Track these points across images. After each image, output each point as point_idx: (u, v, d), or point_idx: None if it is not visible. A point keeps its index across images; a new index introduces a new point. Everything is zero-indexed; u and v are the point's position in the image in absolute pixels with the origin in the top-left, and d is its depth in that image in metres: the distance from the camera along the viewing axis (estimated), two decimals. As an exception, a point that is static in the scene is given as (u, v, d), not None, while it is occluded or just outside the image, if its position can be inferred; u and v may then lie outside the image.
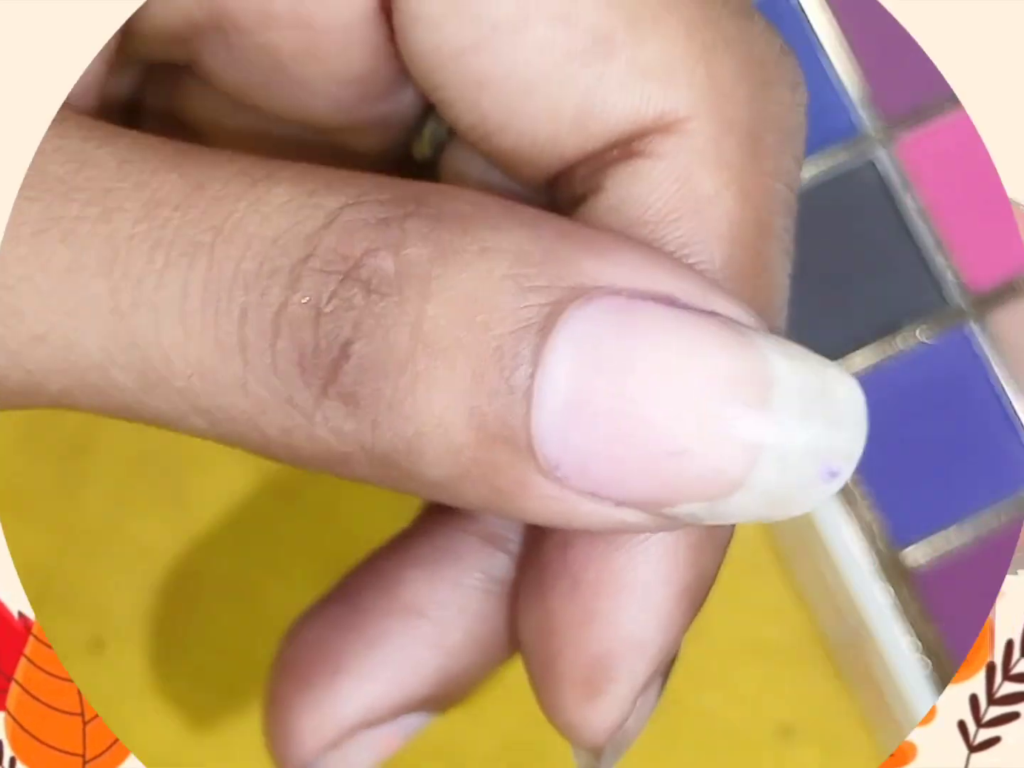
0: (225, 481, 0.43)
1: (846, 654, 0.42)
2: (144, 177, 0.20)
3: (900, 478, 0.41)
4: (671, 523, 0.21)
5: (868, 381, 0.41)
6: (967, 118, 0.43)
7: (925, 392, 0.42)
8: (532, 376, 0.20)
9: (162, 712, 0.42)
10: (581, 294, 0.20)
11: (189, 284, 0.20)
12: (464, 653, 0.25)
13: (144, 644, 0.43)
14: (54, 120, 0.21)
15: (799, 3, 0.43)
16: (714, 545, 0.23)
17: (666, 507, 0.20)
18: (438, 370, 0.20)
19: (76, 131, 0.20)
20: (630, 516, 0.20)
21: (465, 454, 0.20)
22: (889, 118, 0.43)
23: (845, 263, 0.42)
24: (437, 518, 0.25)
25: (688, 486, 0.20)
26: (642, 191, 0.22)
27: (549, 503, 0.20)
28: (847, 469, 0.20)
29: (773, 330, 0.22)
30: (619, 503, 0.20)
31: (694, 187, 0.22)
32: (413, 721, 0.25)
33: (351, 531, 0.43)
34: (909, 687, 0.40)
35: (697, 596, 0.23)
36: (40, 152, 0.20)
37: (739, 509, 0.20)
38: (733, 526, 0.23)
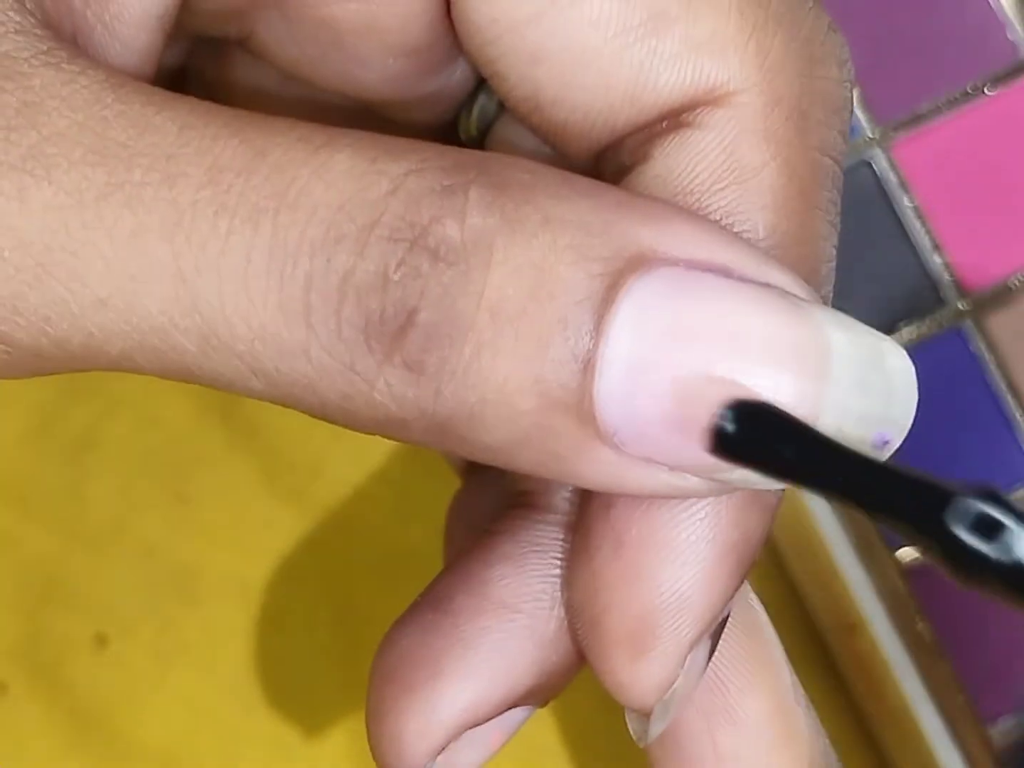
0: (228, 479, 0.43)
1: (842, 651, 0.42)
2: (206, 143, 0.20)
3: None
4: (722, 488, 0.21)
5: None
6: (963, 119, 0.43)
7: (921, 392, 0.42)
8: (595, 345, 0.20)
9: (165, 709, 0.42)
10: (641, 264, 0.20)
11: (253, 250, 0.20)
12: (562, 642, 0.25)
13: (147, 641, 0.43)
14: (113, 85, 0.21)
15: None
16: (760, 506, 0.23)
17: (720, 472, 0.21)
18: (503, 339, 0.20)
19: (136, 96, 0.20)
20: (682, 481, 0.21)
21: (526, 420, 0.20)
22: (885, 119, 0.43)
23: (841, 263, 0.42)
24: (515, 514, 0.25)
25: None
26: (689, 161, 0.23)
27: (604, 467, 0.21)
28: (898, 438, 0.21)
29: (821, 300, 0.22)
30: (673, 468, 0.21)
31: (740, 158, 0.22)
32: (517, 715, 0.25)
33: (354, 529, 0.43)
34: (904, 683, 0.40)
35: (743, 556, 0.23)
36: (100, 119, 0.20)
37: None
38: (782, 489, 0.23)
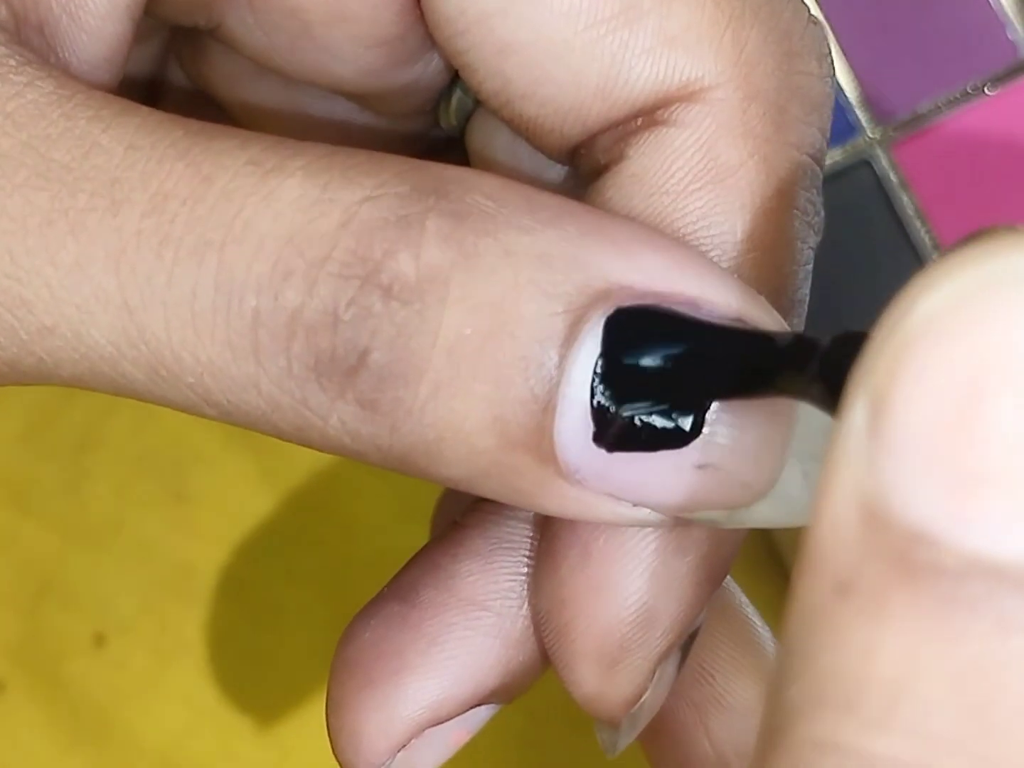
0: (227, 478, 0.43)
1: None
2: (151, 166, 0.20)
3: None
4: (687, 524, 0.21)
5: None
6: (964, 119, 0.43)
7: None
8: (556, 385, 0.19)
9: (163, 707, 0.42)
10: (605, 300, 0.20)
11: (199, 284, 0.20)
12: (528, 642, 0.24)
13: (146, 640, 0.43)
14: (60, 98, 0.20)
15: (797, 5, 0.43)
16: None
17: (685, 512, 0.20)
18: (461, 379, 0.19)
19: (83, 111, 0.20)
20: (647, 516, 0.20)
21: (485, 458, 0.20)
22: (886, 119, 0.43)
23: (842, 264, 0.42)
24: (486, 509, 0.25)
25: (711, 497, 0.20)
26: (665, 160, 0.22)
27: (566, 502, 0.20)
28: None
29: (794, 302, 0.22)
30: (636, 504, 0.20)
31: (717, 156, 0.22)
32: (481, 713, 0.25)
33: (352, 528, 0.43)
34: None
35: (714, 569, 0.22)
36: (44, 137, 0.20)
37: (759, 516, 0.21)
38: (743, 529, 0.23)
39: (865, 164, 0.43)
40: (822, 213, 0.27)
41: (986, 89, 0.43)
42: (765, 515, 0.20)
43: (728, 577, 0.25)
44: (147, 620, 0.43)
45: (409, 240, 0.19)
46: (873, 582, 0.14)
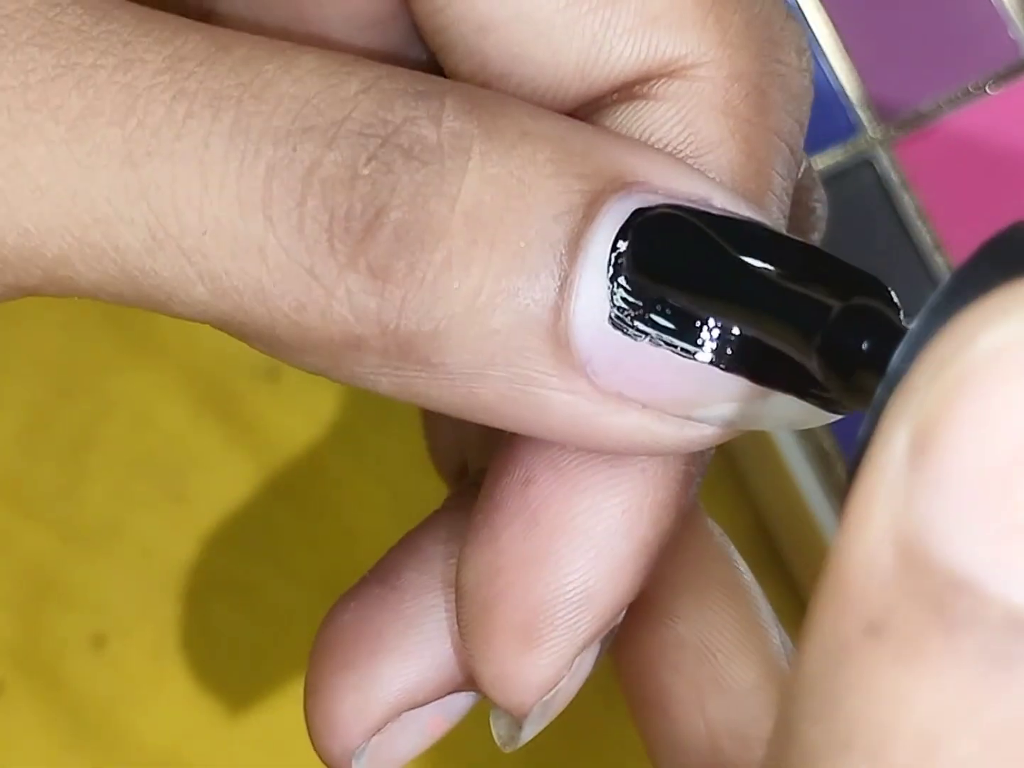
0: (226, 478, 0.43)
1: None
2: (167, 34, 0.19)
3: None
4: (696, 434, 0.20)
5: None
6: (965, 118, 0.43)
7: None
8: (573, 263, 0.19)
9: (163, 709, 0.42)
10: (622, 187, 0.19)
11: (212, 135, 0.19)
12: None
13: (145, 641, 0.43)
14: None
15: (796, 4, 0.43)
16: (678, 509, 0.22)
17: (697, 408, 0.20)
18: (478, 248, 0.19)
19: None
20: (656, 424, 0.20)
21: (495, 340, 0.19)
22: (887, 118, 0.43)
23: (843, 263, 0.42)
24: (471, 492, 0.24)
25: (724, 384, 0.20)
26: (643, 131, 0.22)
27: (573, 403, 0.20)
28: None
29: None
30: (646, 405, 0.20)
31: (698, 131, 0.22)
32: (460, 701, 0.24)
33: (351, 528, 0.43)
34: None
35: (652, 558, 0.22)
36: (53, 4, 0.19)
37: (773, 412, 0.20)
38: (696, 493, 0.22)
39: (867, 163, 0.43)
40: (824, 207, 0.26)
41: (988, 88, 0.43)
42: (779, 411, 0.20)
43: (738, 556, 0.25)
44: (146, 621, 0.43)
45: (430, 109, 0.19)
46: (908, 626, 0.14)
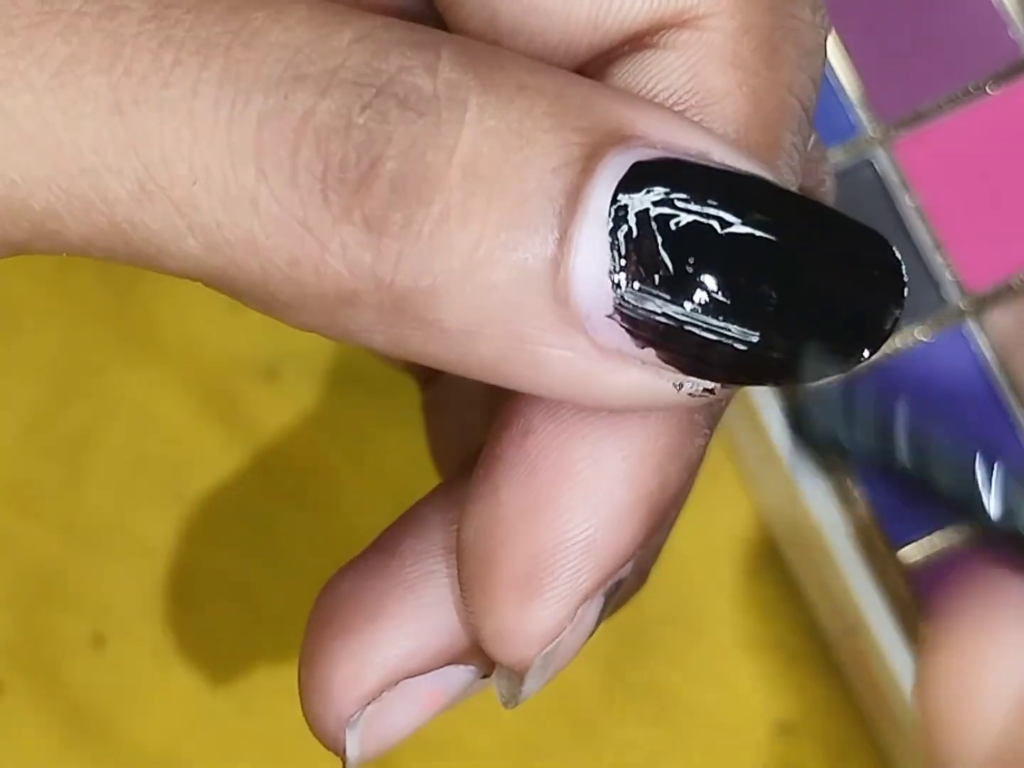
0: (226, 477, 0.43)
1: (843, 652, 0.42)
2: None
3: (898, 477, 0.41)
4: (697, 390, 0.20)
5: (866, 380, 0.41)
6: (965, 118, 0.43)
7: (923, 391, 0.42)
8: (572, 217, 0.19)
9: (163, 709, 0.42)
10: (620, 140, 0.19)
11: (201, 83, 0.18)
12: None
13: (145, 640, 0.43)
14: None
15: (798, 4, 0.43)
16: (683, 459, 0.22)
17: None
18: (475, 201, 0.19)
19: None
20: (655, 380, 0.20)
21: (493, 296, 0.19)
22: (887, 118, 0.43)
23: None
24: (472, 459, 0.24)
25: None
26: (649, 80, 0.21)
27: (572, 361, 0.19)
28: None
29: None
30: (645, 361, 0.19)
31: (704, 81, 0.21)
32: (459, 675, 0.23)
33: (351, 527, 0.43)
34: (906, 683, 0.40)
35: (657, 508, 0.21)
36: None
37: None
38: (704, 445, 0.22)
39: (866, 163, 0.43)
40: (833, 180, 0.26)
41: (988, 88, 0.43)
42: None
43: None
44: (147, 620, 0.43)
45: (425, 59, 0.19)
46: None
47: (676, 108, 0.21)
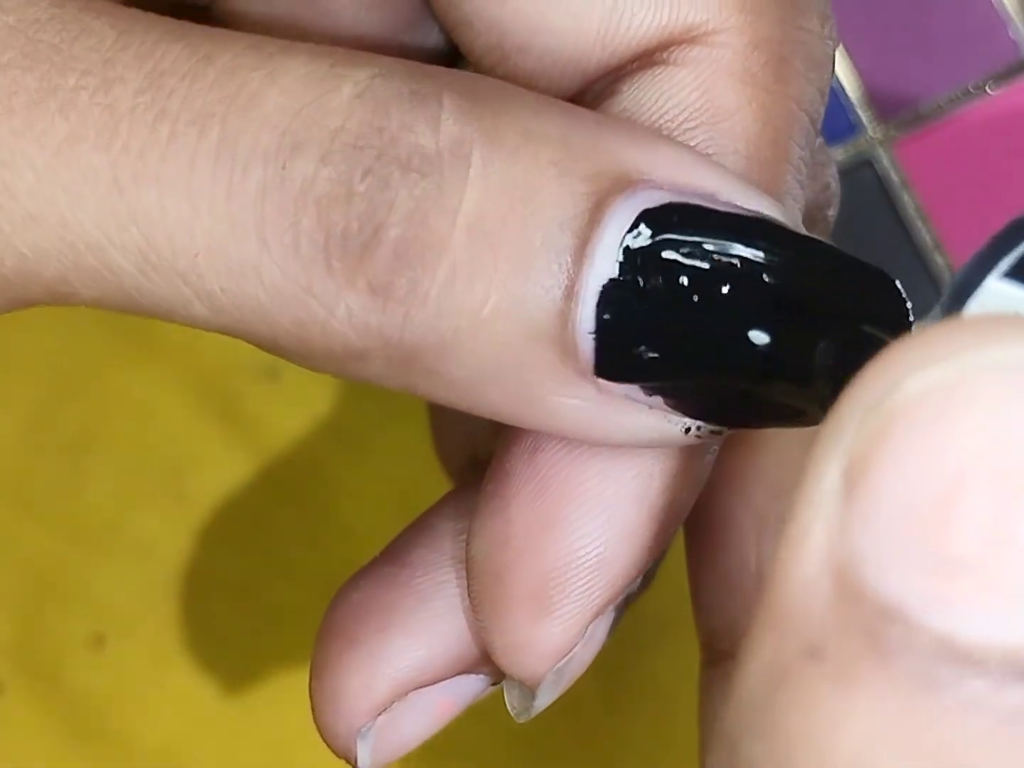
0: (226, 477, 0.43)
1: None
2: (146, 48, 0.19)
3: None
4: (704, 431, 0.20)
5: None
6: (965, 118, 0.43)
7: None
8: (578, 271, 0.19)
9: (163, 709, 0.42)
10: (626, 185, 0.19)
11: (198, 156, 0.18)
12: None
13: (145, 640, 0.43)
14: None
15: (798, 4, 0.43)
16: (691, 477, 0.22)
17: None
18: (482, 261, 0.19)
19: (73, 2, 0.19)
20: (663, 423, 0.20)
21: (501, 351, 0.19)
22: (888, 118, 0.43)
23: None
24: (479, 476, 0.24)
25: None
26: (659, 96, 0.21)
27: (581, 407, 0.19)
28: None
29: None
30: (653, 407, 0.20)
31: (715, 98, 0.21)
32: (469, 684, 0.23)
33: (351, 528, 0.43)
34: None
35: (666, 525, 0.22)
36: (33, 20, 0.19)
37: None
38: (711, 462, 0.22)
39: (867, 163, 0.43)
40: (838, 184, 0.26)
41: (988, 88, 0.43)
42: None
43: None
44: (146, 620, 0.43)
45: (427, 113, 0.19)
46: (844, 652, 0.14)
47: (686, 125, 0.21)
